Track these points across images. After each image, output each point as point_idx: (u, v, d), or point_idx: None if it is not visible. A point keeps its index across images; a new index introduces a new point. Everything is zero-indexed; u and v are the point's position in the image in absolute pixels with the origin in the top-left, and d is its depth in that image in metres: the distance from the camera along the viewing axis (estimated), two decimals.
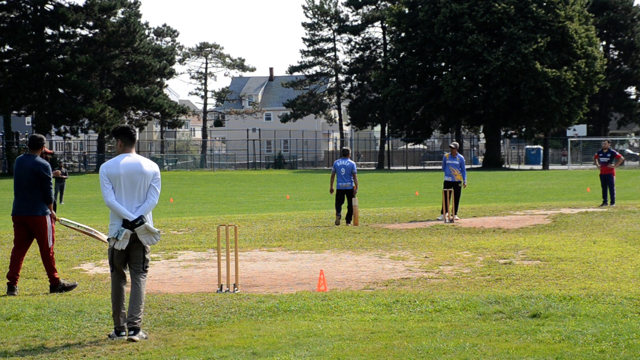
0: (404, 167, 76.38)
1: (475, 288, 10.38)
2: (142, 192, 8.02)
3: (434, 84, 69.84)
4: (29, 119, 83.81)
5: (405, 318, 8.50)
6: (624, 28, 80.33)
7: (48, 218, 10.70)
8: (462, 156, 21.33)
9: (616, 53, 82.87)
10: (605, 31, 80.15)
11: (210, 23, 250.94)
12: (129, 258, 8.07)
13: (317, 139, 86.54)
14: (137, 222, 7.90)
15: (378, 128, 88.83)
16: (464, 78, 66.82)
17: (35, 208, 10.62)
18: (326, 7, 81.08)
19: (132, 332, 7.77)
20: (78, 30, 71.69)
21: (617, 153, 24.52)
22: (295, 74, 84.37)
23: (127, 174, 7.96)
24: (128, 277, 8.15)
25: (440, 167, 21.31)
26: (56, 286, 10.71)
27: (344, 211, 19.96)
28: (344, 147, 20.61)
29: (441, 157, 70.73)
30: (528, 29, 65.66)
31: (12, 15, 67.42)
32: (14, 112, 69.89)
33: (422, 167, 75.55)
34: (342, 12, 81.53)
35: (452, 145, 21.02)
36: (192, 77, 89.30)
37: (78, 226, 10.58)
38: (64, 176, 32.23)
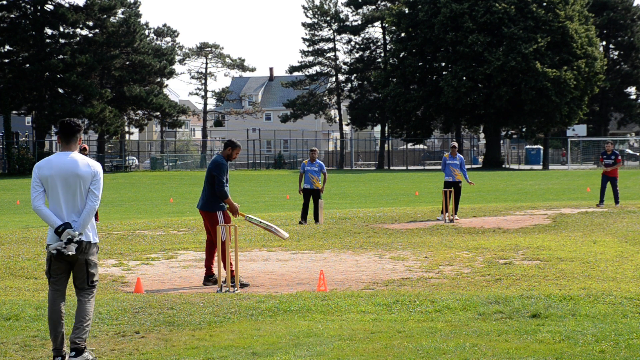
0: (404, 167, 76.38)
1: (475, 288, 10.38)
2: (83, 196, 7.05)
3: (434, 84, 69.83)
4: (29, 119, 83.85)
5: (405, 318, 8.50)
6: (624, 28, 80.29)
7: (219, 214, 11.41)
8: (461, 156, 21.42)
9: (616, 53, 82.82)
10: (605, 31, 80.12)
11: (210, 23, 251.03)
12: (70, 273, 7.16)
13: (317, 139, 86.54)
14: (59, 229, 6.95)
15: (378, 128, 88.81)
16: (464, 78, 66.80)
17: (207, 204, 11.48)
18: (326, 7, 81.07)
19: (73, 354, 6.90)
20: (78, 30, 71.74)
21: (619, 157, 24.71)
22: (295, 74, 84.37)
23: (60, 175, 7.02)
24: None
25: (440, 167, 21.27)
26: (211, 276, 11.42)
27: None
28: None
29: (441, 157, 70.69)
30: (528, 29, 65.67)
31: (12, 15, 67.43)
32: (14, 112, 69.88)
33: (422, 167, 75.55)
34: (342, 12, 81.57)
35: (453, 145, 21.07)
36: (192, 77, 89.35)
37: (260, 222, 11.27)
38: None
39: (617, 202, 24.18)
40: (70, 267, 7.13)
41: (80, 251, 7.00)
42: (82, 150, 20.49)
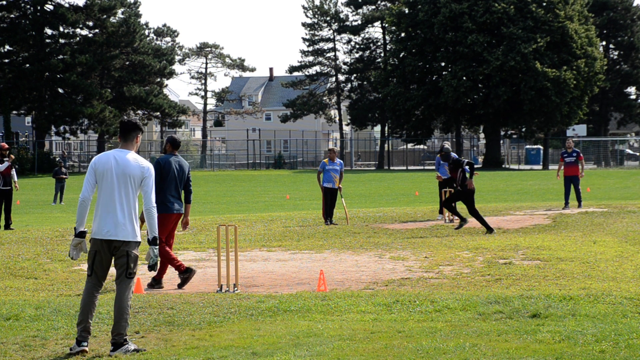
0: (404, 167, 76.38)
1: (475, 288, 10.37)
2: (132, 195, 7.29)
3: (434, 84, 69.84)
4: (29, 119, 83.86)
5: (405, 318, 8.50)
6: (624, 28, 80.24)
7: None
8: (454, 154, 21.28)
9: (616, 53, 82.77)
10: (605, 31, 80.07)
11: (210, 23, 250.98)
12: (110, 266, 7.45)
13: (317, 139, 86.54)
14: (77, 233, 7.30)
15: (378, 128, 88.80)
16: (464, 78, 66.81)
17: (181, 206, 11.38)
18: (326, 7, 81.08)
19: (112, 348, 7.19)
20: (78, 30, 71.82)
21: (581, 154, 23.89)
22: (295, 74, 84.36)
23: (114, 172, 7.26)
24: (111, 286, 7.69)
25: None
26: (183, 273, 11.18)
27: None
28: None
29: None
30: (528, 28, 65.66)
31: (12, 15, 67.50)
32: (14, 112, 69.93)
33: (422, 167, 75.56)
34: (342, 12, 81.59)
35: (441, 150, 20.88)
36: (192, 77, 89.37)
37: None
38: (64, 176, 32.42)
39: (580, 204, 23.11)
40: (111, 260, 7.39)
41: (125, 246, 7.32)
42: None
